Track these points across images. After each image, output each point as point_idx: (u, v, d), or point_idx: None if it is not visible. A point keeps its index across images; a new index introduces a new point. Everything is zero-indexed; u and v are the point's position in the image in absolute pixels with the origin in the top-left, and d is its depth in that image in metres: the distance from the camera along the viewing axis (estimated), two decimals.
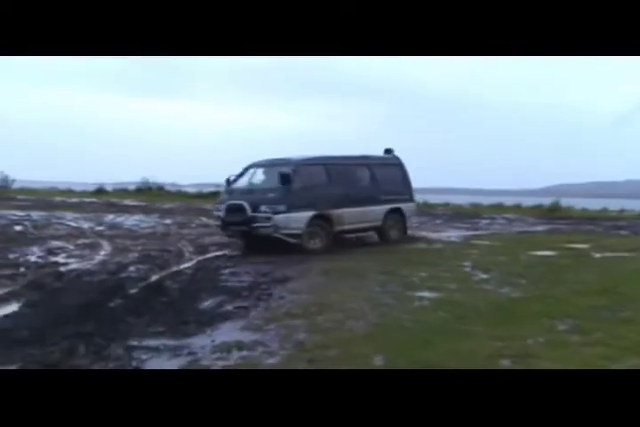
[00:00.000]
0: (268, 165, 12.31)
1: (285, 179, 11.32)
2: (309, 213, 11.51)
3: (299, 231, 11.36)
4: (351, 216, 12.25)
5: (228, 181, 12.35)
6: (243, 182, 12.23)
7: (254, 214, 11.24)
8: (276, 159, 12.41)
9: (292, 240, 11.28)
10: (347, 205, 12.19)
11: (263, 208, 11.21)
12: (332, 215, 11.85)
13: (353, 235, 12.91)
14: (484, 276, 9.04)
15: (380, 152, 13.84)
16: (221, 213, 11.91)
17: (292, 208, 11.29)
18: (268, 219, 11.12)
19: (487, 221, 20.56)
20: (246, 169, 12.40)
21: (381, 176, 13.19)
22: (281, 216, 11.16)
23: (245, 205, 11.37)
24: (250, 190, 11.89)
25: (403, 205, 13.44)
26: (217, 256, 11.01)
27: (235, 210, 11.50)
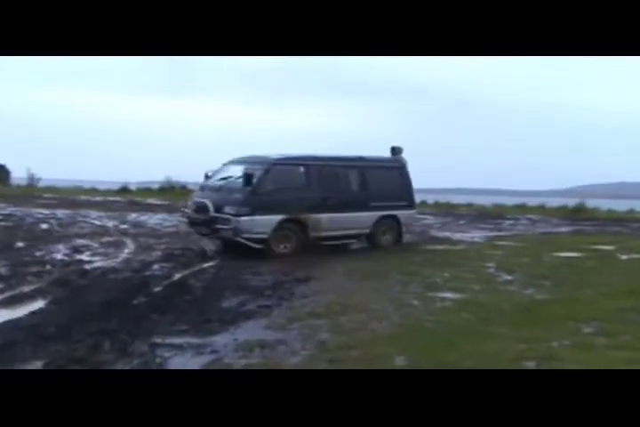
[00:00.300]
0: (244, 162, 11.38)
1: (248, 179, 10.46)
2: (278, 217, 10.59)
3: (263, 236, 10.47)
4: (332, 222, 11.19)
5: (207, 177, 11.60)
6: (218, 179, 11.36)
7: (216, 215, 10.52)
8: (254, 156, 11.51)
9: (255, 245, 10.46)
10: (327, 210, 11.17)
11: (226, 209, 10.45)
12: (306, 220, 10.88)
13: (336, 242, 11.63)
14: (508, 277, 8.96)
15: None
16: (189, 211, 11.28)
17: (257, 211, 10.41)
18: (228, 221, 10.37)
19: (511, 221, 20.38)
20: (225, 165, 11.62)
21: (375, 180, 12.04)
22: (243, 219, 10.31)
23: (209, 204, 10.68)
24: (219, 189, 11.02)
25: (399, 213, 12.26)
26: (239, 255, 11.04)
27: (200, 209, 10.85)
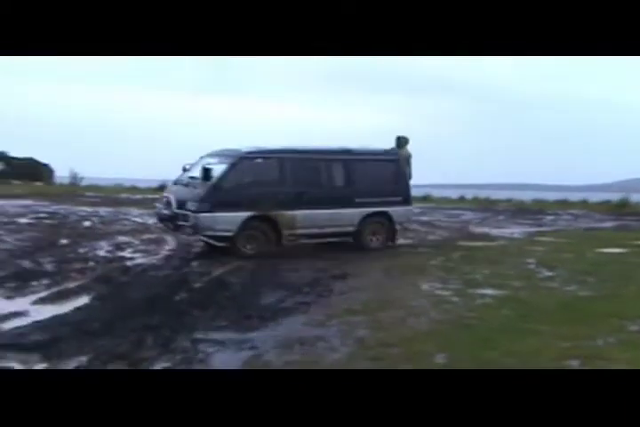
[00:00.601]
0: (218, 155, 10.67)
1: (207, 174, 9.83)
2: (244, 214, 9.90)
3: (228, 234, 9.83)
4: (308, 219, 10.38)
5: (184, 170, 10.94)
6: (192, 173, 10.62)
7: (177, 211, 10.05)
8: (229, 149, 10.74)
9: (218, 244, 9.93)
10: (303, 207, 10.34)
11: (188, 205, 9.90)
12: (278, 217, 10.12)
13: (315, 241, 10.85)
14: (550, 273, 8.81)
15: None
16: (160, 206, 10.82)
17: (219, 207, 9.77)
18: (187, 217, 9.84)
19: (552, 217, 19.99)
20: (202, 158, 10.83)
21: (363, 174, 11.01)
22: (202, 216, 9.71)
23: (172, 199, 10.24)
24: (187, 183, 10.44)
25: (391, 209, 11.15)
26: (276, 252, 11.08)
27: (166, 204, 10.43)
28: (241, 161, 10.29)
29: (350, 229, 10.85)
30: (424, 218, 18.13)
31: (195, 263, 9.39)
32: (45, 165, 34.69)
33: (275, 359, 4.83)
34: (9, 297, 6.95)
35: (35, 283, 7.59)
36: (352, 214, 10.83)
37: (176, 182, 10.99)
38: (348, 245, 11.07)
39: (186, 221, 9.88)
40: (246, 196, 10.04)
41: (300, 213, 10.33)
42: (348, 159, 11.09)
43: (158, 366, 4.70)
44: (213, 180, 9.90)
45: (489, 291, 7.51)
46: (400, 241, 12.38)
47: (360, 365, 4.60)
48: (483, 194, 29.20)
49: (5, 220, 14.14)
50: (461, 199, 27.91)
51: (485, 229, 15.08)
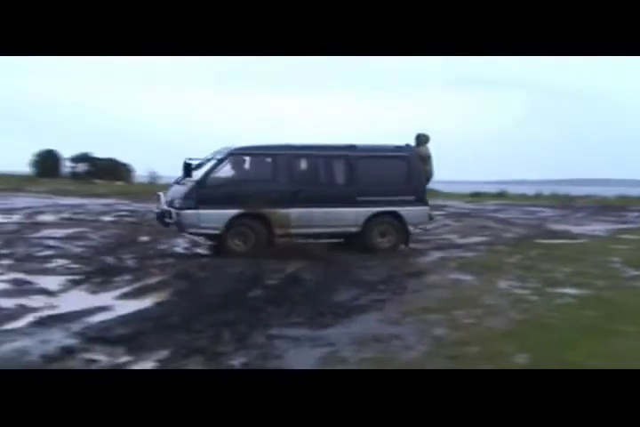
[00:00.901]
0: (217, 153, 10.48)
1: (187, 170, 9.70)
2: (232, 212, 9.67)
3: (215, 231, 9.71)
4: (303, 218, 9.99)
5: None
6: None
7: (164, 208, 10.04)
8: (225, 148, 10.50)
9: (204, 241, 9.92)
10: (298, 205, 9.97)
11: (175, 202, 9.85)
12: (269, 215, 9.78)
13: (315, 240, 10.24)
14: (635, 272, 8.43)
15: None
16: (157, 203, 10.88)
17: (204, 204, 9.61)
18: (172, 214, 9.75)
19: (636, 213, 19.13)
20: (208, 156, 10.65)
21: (369, 171, 10.39)
22: (186, 213, 9.59)
23: (162, 196, 10.37)
24: (180, 181, 10.37)
25: (402, 209, 10.45)
26: (348, 250, 11.06)
27: (159, 201, 10.58)
28: (229, 158, 10.11)
29: (353, 229, 10.32)
30: (500, 215, 17.74)
31: (268, 260, 9.50)
32: (125, 165, 36.13)
33: (350, 356, 4.82)
34: (94, 292, 7.25)
35: (118, 279, 7.88)
36: (355, 214, 10.29)
37: (176, 181, 10.99)
38: (421, 242, 10.92)
39: (171, 218, 9.82)
40: (235, 193, 9.78)
41: (294, 212, 9.96)
42: (350, 156, 10.51)
43: (236, 360, 4.78)
44: (199, 176, 9.84)
45: (570, 290, 7.25)
46: (474, 239, 12.18)
47: (437, 363, 4.54)
48: (562, 190, 28.29)
49: (90, 218, 14.81)
50: (538, 196, 27.13)
51: (565, 227, 14.59)
